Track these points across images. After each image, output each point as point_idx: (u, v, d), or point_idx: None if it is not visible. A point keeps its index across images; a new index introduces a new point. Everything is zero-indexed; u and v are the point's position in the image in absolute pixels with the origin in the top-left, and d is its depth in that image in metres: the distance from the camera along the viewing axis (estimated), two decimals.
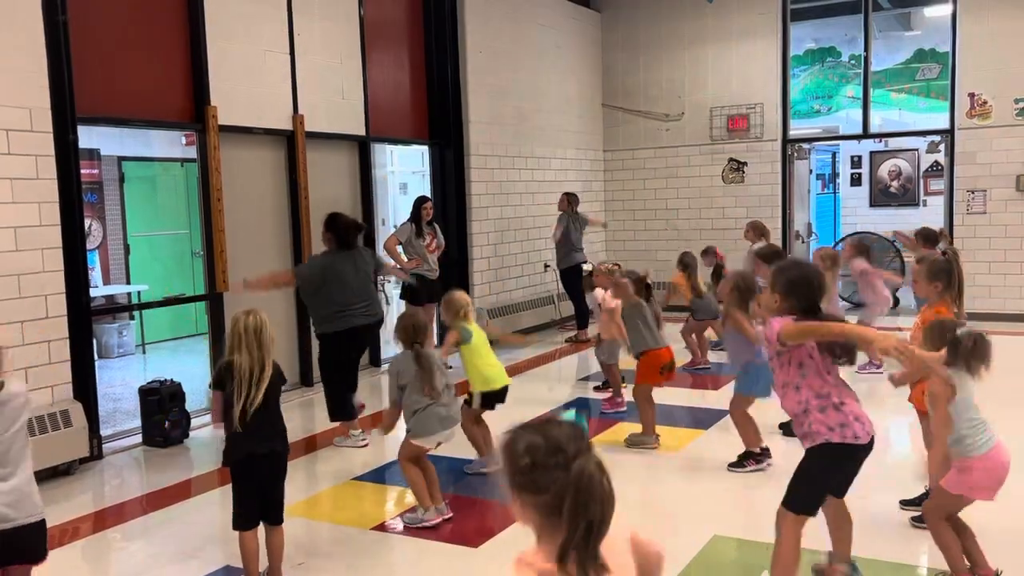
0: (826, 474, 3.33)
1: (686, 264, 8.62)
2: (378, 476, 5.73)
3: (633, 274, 6.46)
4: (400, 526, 4.81)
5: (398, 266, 8.17)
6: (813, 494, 3.34)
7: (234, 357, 3.80)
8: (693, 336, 8.68)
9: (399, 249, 8.49)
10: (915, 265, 4.94)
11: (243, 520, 3.92)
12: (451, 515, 4.81)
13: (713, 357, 8.76)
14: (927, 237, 7.86)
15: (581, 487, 1.78)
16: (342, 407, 6.40)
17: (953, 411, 3.61)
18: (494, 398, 5.43)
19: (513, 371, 7.94)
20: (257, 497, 3.93)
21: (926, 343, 3.74)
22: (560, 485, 1.78)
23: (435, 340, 7.99)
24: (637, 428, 6.16)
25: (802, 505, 3.33)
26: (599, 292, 6.95)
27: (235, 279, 7.23)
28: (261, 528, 3.99)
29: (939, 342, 3.67)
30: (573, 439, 1.83)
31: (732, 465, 5.57)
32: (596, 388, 7.80)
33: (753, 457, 5.53)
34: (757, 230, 9.28)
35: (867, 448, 3.32)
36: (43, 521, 3.20)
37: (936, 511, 3.74)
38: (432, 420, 4.72)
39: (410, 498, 5.23)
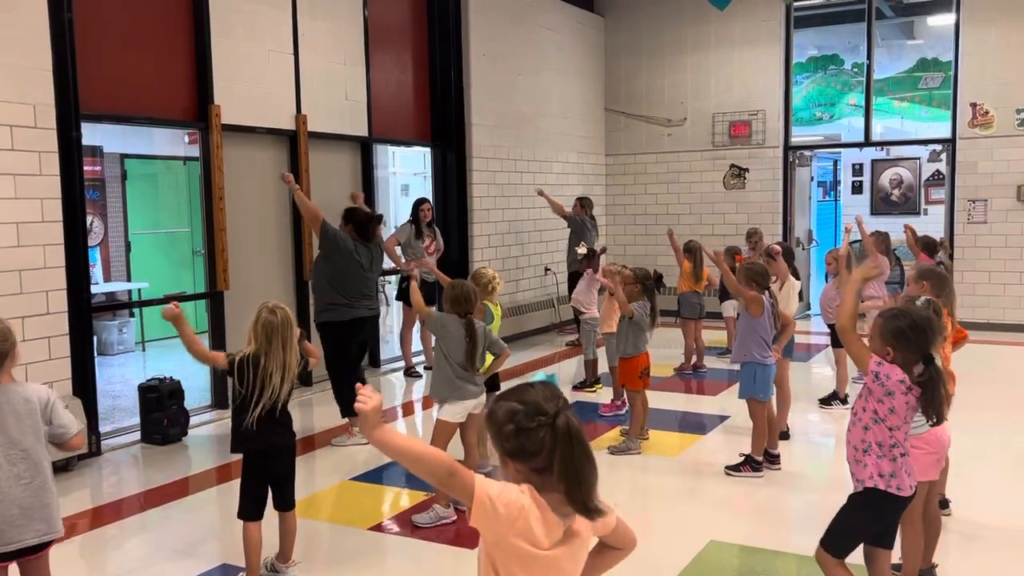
0: (865, 522, 3.29)
1: (690, 250, 8.66)
2: (376, 476, 5.73)
3: (641, 271, 6.31)
4: (396, 527, 4.82)
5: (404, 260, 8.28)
6: (849, 541, 3.31)
7: (260, 353, 3.78)
8: (692, 340, 8.63)
9: (398, 250, 8.51)
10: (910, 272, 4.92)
11: (249, 511, 3.94)
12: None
13: (710, 363, 8.77)
14: (927, 245, 7.85)
15: (570, 439, 1.87)
16: (350, 404, 6.43)
17: None
18: (488, 383, 5.36)
19: (512, 374, 7.98)
20: (268, 488, 3.98)
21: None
22: (549, 445, 1.86)
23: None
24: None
25: (837, 549, 3.30)
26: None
27: (236, 279, 7.26)
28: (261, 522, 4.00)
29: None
30: (550, 399, 1.91)
31: (729, 468, 5.56)
32: (575, 388, 7.86)
33: (751, 463, 5.52)
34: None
35: (909, 499, 3.27)
36: None
37: (910, 511, 3.66)
38: (456, 385, 4.81)
39: (406, 500, 5.24)
